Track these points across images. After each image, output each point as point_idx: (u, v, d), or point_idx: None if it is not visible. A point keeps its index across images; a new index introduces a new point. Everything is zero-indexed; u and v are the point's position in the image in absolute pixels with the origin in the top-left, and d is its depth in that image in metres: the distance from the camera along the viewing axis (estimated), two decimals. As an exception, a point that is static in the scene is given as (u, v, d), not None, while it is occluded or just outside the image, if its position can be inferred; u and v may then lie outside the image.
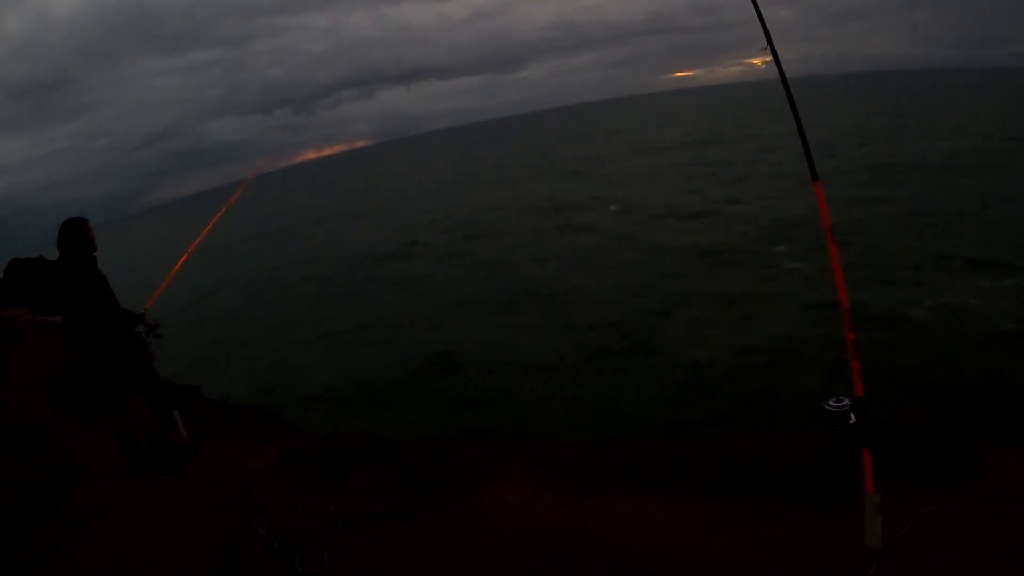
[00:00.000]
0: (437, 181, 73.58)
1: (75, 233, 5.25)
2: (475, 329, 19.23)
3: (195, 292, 31.76)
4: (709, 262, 22.56)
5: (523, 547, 4.04)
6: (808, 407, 10.65)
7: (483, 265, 27.44)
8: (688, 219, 29.85)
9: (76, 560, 4.76)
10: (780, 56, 3.67)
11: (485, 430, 11.84)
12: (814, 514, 3.95)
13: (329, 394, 16.09)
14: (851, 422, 4.10)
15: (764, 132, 63.46)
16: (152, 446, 5.69)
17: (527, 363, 15.64)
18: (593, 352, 15.68)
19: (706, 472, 4.60)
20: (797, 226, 24.88)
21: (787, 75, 3.69)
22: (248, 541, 4.46)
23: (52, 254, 5.45)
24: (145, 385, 5.65)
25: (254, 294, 31.55)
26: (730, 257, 22.83)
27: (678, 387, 12.99)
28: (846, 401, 4.24)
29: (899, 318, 15.04)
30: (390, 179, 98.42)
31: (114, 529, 5.08)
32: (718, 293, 18.90)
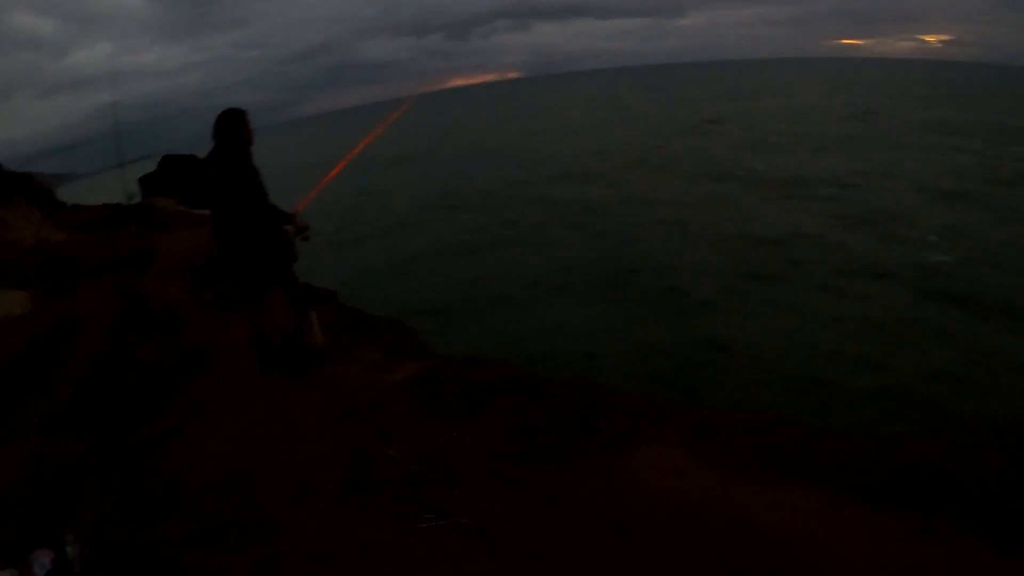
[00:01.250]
0: (582, 123, 72.42)
1: (233, 124, 5.06)
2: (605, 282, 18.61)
3: (339, 204, 32.55)
4: (864, 239, 20.85)
5: (673, 521, 3.56)
6: (989, 424, 9.78)
7: (614, 217, 26.54)
8: (838, 188, 27.82)
9: (195, 447, 4.65)
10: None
11: (629, 380, 11.34)
12: (991, 545, 3.30)
13: (463, 316, 16.05)
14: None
15: (938, 116, 58.20)
16: (286, 345, 5.52)
17: (677, 324, 14.86)
18: (760, 325, 14.62)
19: (874, 475, 3.97)
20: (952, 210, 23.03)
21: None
22: (374, 459, 4.18)
23: (203, 154, 5.29)
24: (285, 283, 5.47)
25: (395, 211, 32.08)
26: (883, 235, 21.09)
27: (845, 379, 11.95)
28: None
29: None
30: (537, 114, 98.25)
31: (237, 423, 4.96)
32: (877, 271, 17.40)
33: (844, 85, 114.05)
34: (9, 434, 5.19)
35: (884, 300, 15.40)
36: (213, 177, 5.10)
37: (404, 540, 3.45)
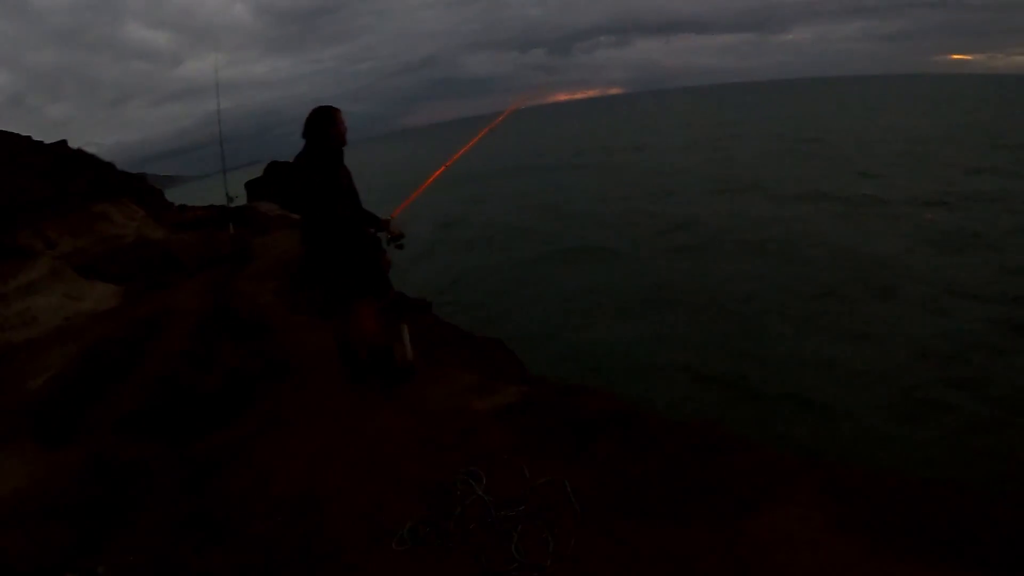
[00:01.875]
0: (681, 140, 71.25)
1: (323, 121, 4.68)
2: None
3: (439, 213, 32.69)
4: (965, 263, 19.35)
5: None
6: None
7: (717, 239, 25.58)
8: (942, 210, 26.14)
9: (265, 464, 4.28)
10: None
11: (756, 424, 10.57)
12: None
13: (555, 332, 15.50)
14: None
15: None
16: (373, 359, 5.11)
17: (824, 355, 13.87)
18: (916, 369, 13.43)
19: None
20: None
21: None
22: (460, 496, 3.68)
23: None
24: (376, 292, 5.06)
25: (492, 223, 31.88)
26: (986, 261, 19.60)
27: (929, 418, 10.86)
28: None
29: None
30: (636, 130, 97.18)
31: (314, 440, 4.54)
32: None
33: (953, 102, 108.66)
34: (81, 432, 4.97)
35: (976, 332, 14.20)
36: (301, 177, 4.76)
37: (489, 600, 2.95)
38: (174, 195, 27.51)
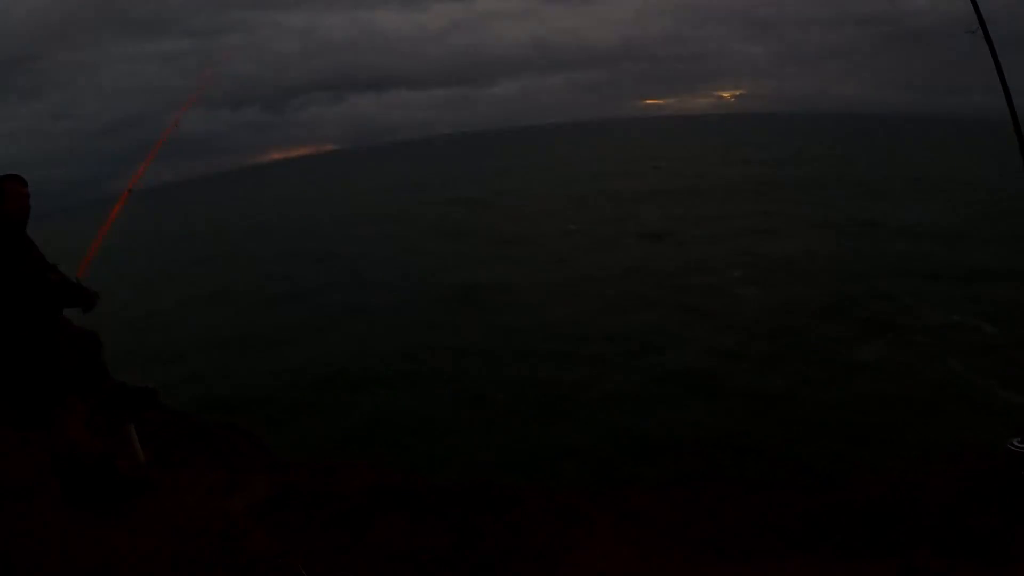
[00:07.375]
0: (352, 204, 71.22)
1: None
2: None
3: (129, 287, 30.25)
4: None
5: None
6: (929, 446, 9.68)
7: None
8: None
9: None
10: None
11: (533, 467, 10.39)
12: (974, 568, 3.08)
13: (297, 405, 14.46)
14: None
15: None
16: (90, 473, 4.10)
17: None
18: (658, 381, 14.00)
19: (843, 525, 3.59)
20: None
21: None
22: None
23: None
24: (91, 385, 4.12)
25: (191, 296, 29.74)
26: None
27: (778, 426, 11.56)
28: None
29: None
30: (314, 198, 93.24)
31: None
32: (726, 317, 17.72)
33: (643, 144, 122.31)
34: None
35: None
36: None
37: None
38: None
